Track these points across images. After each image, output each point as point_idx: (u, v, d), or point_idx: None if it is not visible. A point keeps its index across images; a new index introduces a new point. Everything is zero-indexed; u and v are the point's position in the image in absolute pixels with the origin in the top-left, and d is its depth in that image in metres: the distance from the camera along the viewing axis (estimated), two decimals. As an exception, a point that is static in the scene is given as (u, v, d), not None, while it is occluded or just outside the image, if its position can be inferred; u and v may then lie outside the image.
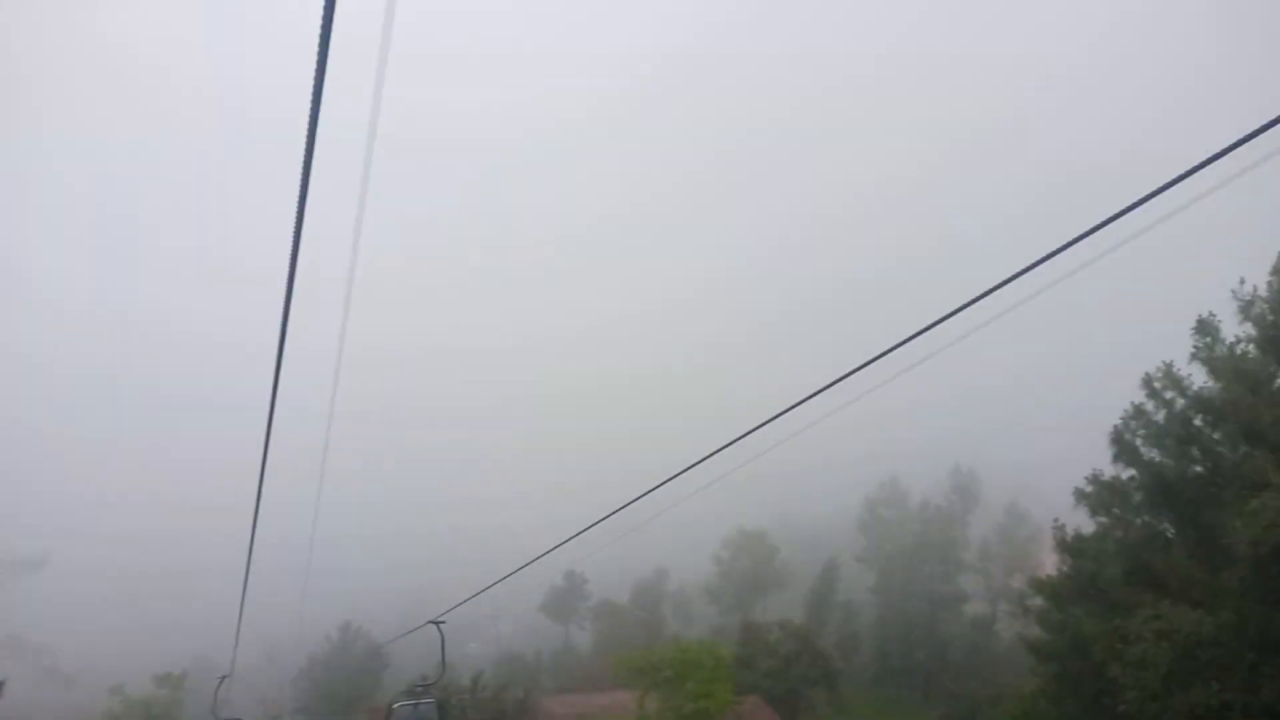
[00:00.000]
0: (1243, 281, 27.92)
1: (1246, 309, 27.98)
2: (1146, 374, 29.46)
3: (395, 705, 20.51)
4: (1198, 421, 27.90)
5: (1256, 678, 17.67)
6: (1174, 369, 28.83)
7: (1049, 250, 8.47)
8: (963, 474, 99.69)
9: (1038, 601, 29.69)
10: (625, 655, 57.35)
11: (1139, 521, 28.11)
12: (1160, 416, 28.78)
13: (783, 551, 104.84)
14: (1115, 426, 29.71)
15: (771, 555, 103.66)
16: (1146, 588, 25.07)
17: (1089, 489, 29.76)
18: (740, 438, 12.40)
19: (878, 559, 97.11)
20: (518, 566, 18.12)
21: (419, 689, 20.99)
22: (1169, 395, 28.84)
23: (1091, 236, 8.20)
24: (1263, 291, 27.88)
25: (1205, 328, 28.25)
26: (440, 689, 21.59)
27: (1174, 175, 7.66)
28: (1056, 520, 29.83)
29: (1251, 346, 27.61)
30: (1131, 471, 29.45)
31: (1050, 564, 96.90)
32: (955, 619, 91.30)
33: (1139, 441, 29.24)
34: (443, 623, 19.94)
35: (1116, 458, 29.59)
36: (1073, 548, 29.21)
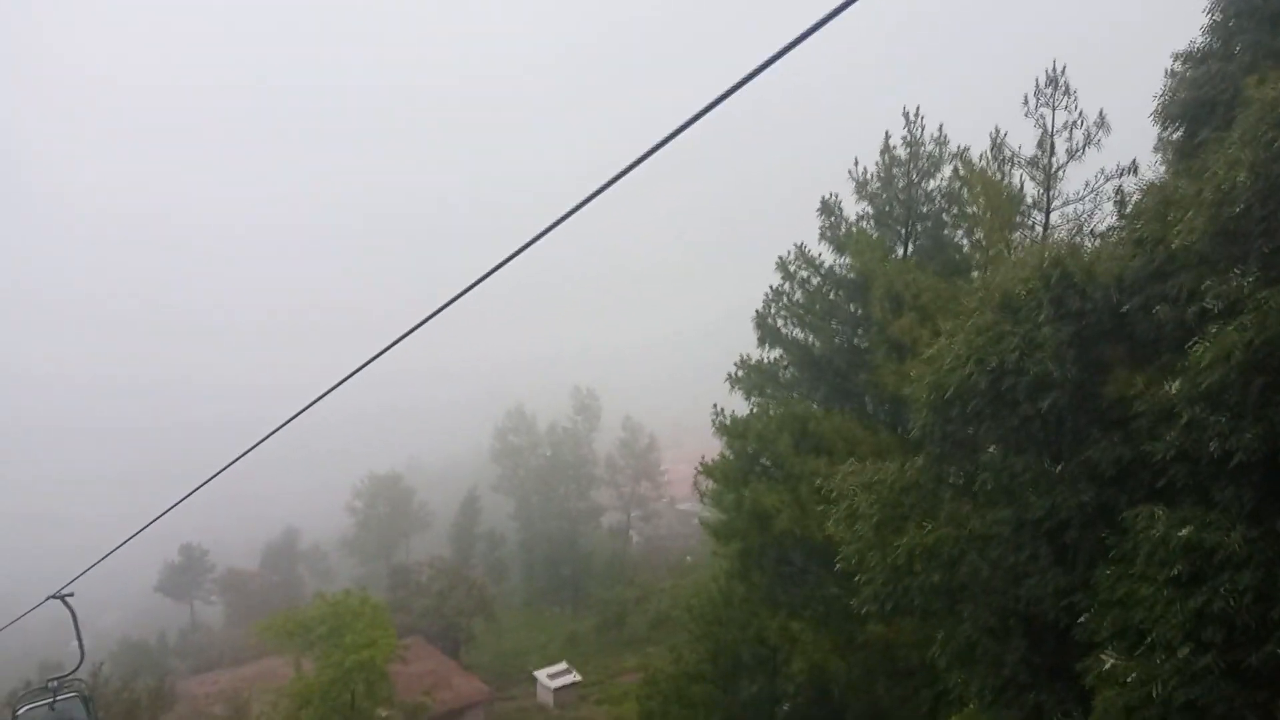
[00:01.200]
0: (857, 162, 29.26)
1: (861, 189, 29.39)
2: (779, 257, 30.19)
3: (20, 711, 15.14)
4: (834, 296, 29.12)
5: (958, 511, 18.12)
6: (805, 249, 29.76)
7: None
8: (583, 393, 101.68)
9: (709, 485, 29.80)
10: (270, 620, 52.23)
11: (794, 396, 28.98)
12: (798, 296, 29.72)
13: (419, 493, 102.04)
14: (757, 311, 30.29)
15: (408, 497, 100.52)
16: (813, 454, 25.73)
17: (740, 373, 30.19)
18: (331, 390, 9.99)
19: (514, 486, 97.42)
20: (131, 535, 14.14)
21: (53, 683, 15.46)
22: (804, 274, 29.80)
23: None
24: (874, 171, 29.44)
25: (828, 208, 29.35)
26: (83, 681, 16.36)
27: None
28: (715, 406, 29.98)
29: (871, 223, 29.12)
30: (778, 352, 30.27)
31: (669, 463, 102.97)
32: (594, 531, 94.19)
33: (780, 323, 30.04)
34: (70, 595, 15.15)
35: (761, 341, 30.23)
36: (733, 430, 29.51)
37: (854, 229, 28.65)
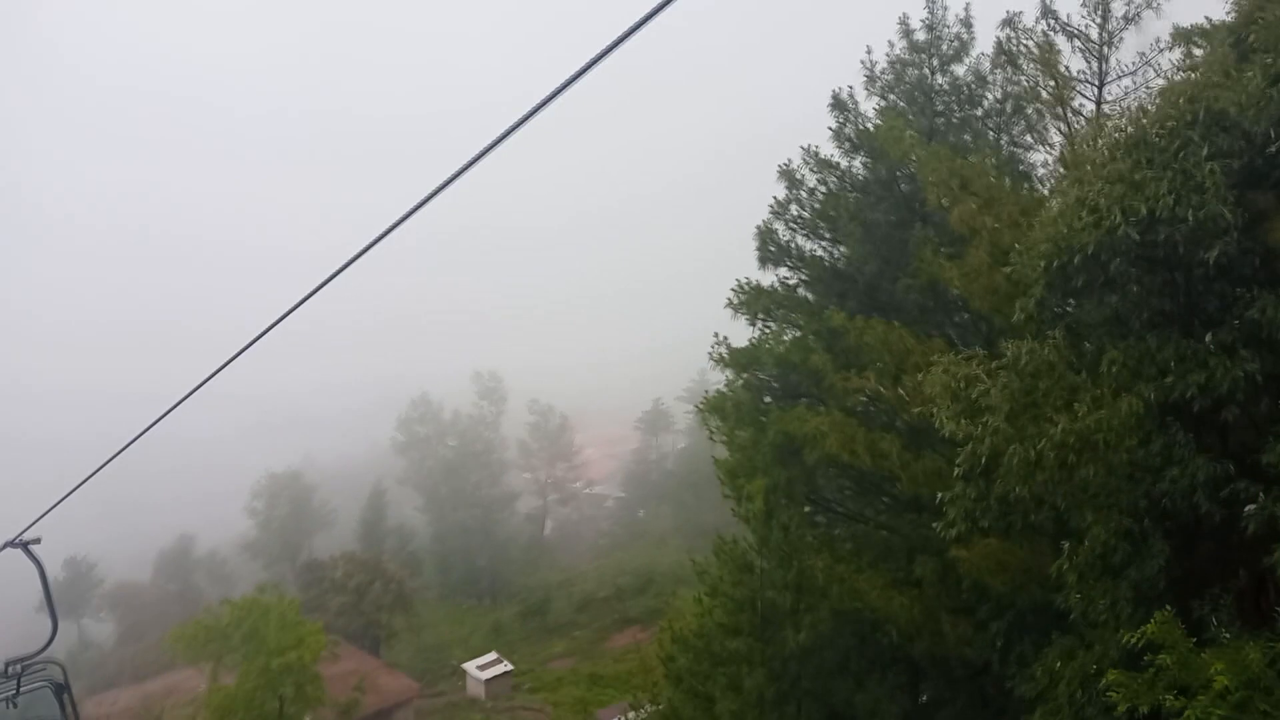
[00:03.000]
0: (869, 51, 26.09)
1: (871, 82, 26.26)
2: (780, 165, 26.70)
3: None
4: (855, 200, 25.79)
5: (1100, 396, 14.85)
6: (817, 151, 26.37)
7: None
8: (484, 377, 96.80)
9: (716, 424, 25.96)
10: (181, 629, 46.43)
11: (805, 318, 25.54)
12: (809, 205, 26.33)
13: (320, 490, 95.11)
14: (758, 227, 26.72)
15: (309, 495, 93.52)
16: (851, 369, 22.41)
17: (740, 298, 26.52)
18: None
19: (421, 478, 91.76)
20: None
21: (13, 666, 10.65)
22: (815, 179, 26.41)
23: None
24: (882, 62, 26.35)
25: (841, 104, 26.01)
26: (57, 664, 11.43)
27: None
28: (717, 334, 26.31)
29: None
30: (782, 271, 26.83)
31: (583, 445, 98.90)
32: (509, 518, 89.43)
33: (789, 237, 26.59)
34: (36, 541, 10.46)
35: (764, 260, 26.67)
36: (739, 359, 25.86)
37: (872, 126, 25.39)
